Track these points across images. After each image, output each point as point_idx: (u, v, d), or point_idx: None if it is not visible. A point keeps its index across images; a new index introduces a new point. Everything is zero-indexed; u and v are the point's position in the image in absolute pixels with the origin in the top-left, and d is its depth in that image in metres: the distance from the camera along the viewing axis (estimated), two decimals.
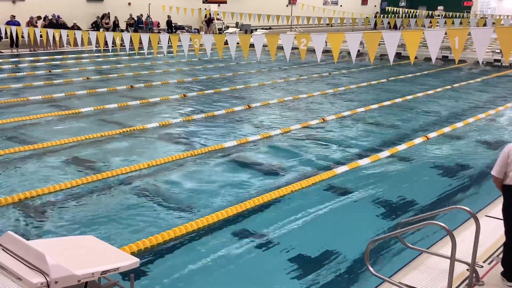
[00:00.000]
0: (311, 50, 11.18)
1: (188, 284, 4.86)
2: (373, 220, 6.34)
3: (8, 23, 22.21)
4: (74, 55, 22.39)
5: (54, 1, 27.04)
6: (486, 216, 6.05)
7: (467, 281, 4.46)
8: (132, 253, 5.10)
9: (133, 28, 28.51)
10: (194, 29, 33.06)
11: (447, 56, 23.26)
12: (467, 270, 4.55)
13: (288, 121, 11.51)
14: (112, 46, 14.99)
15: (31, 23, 24.09)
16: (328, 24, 33.61)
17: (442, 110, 13.13)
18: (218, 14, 33.96)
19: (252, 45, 10.71)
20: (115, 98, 13.61)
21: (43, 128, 10.54)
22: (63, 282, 3.05)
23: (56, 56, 22.38)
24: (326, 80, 18.20)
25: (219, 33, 30.62)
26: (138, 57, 21.72)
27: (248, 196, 6.94)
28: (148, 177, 7.70)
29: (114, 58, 22.47)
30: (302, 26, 36.51)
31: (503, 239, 4.64)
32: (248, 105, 13.03)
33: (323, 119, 11.63)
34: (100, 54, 22.60)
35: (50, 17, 25.62)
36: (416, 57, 17.91)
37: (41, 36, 18.42)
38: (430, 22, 30.77)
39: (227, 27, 33.24)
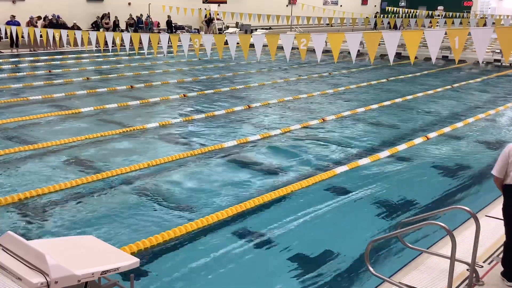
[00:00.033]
0: (311, 50, 11.18)
1: (188, 284, 4.86)
2: (373, 220, 6.34)
3: (8, 23, 22.22)
4: (74, 55, 22.39)
5: (54, 1, 27.05)
6: (486, 216, 6.05)
7: (467, 281, 4.46)
8: (132, 253, 5.10)
9: (133, 28, 28.51)
10: (194, 29, 33.06)
11: (447, 56, 23.28)
12: (467, 270, 4.56)
13: (288, 121, 11.51)
14: (112, 46, 14.99)
15: (31, 23, 24.10)
16: (328, 24, 33.61)
17: (442, 110, 13.13)
18: (218, 14, 33.97)
19: (252, 45, 10.70)
20: (115, 98, 13.61)
21: (43, 128, 10.55)
22: (63, 282, 3.05)
23: (56, 56, 22.38)
24: (326, 80, 18.20)
25: (219, 33, 30.63)
26: (138, 57, 21.72)
27: (248, 196, 6.94)
28: (148, 177, 7.70)
29: (114, 58, 22.47)
30: (302, 26, 36.51)
31: (503, 239, 4.64)
32: (248, 105, 13.03)
33: (323, 119, 11.63)
34: (100, 54, 22.61)
35: (50, 17, 25.63)
36: (416, 57, 17.92)
37: (41, 36, 18.41)
38: (430, 22, 30.76)
39: (227, 27, 33.24)
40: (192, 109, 12.77)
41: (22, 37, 22.53)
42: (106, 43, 13.48)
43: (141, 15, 29.55)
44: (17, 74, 17.76)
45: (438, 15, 40.95)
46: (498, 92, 16.20)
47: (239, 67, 20.89)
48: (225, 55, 18.09)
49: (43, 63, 20.43)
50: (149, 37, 12.66)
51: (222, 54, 11.65)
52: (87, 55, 22.80)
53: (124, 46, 13.36)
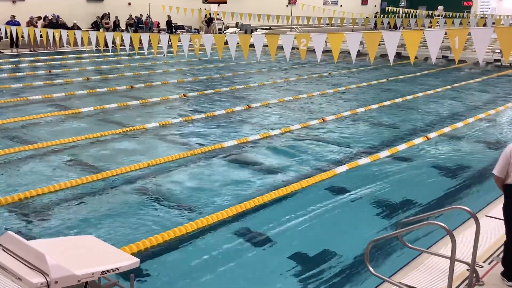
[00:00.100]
0: (311, 50, 11.17)
1: (189, 283, 4.86)
2: (373, 220, 6.34)
3: (8, 23, 22.21)
4: (74, 55, 22.39)
5: (54, 1, 27.04)
6: (486, 216, 6.05)
7: (467, 281, 4.46)
8: (132, 253, 5.09)
9: (133, 28, 28.51)
10: (194, 29, 33.05)
11: (447, 56, 23.28)
12: (467, 270, 4.56)
13: (288, 121, 11.51)
14: (112, 46, 14.98)
15: (31, 23, 24.10)
16: (328, 24, 33.60)
17: (442, 110, 13.13)
18: (218, 14, 33.97)
19: (252, 45, 10.70)
20: (115, 98, 13.61)
21: (43, 128, 10.54)
22: (63, 282, 3.05)
23: (56, 56, 22.38)
24: (326, 80, 18.20)
25: (219, 33, 30.62)
26: (138, 57, 21.72)
27: (248, 195, 6.94)
28: (149, 177, 7.70)
29: (114, 58, 22.47)
30: (302, 26, 36.51)
31: (503, 239, 4.64)
32: (248, 105, 13.03)
33: (323, 119, 11.63)
34: (100, 54, 22.61)
35: (50, 17, 25.62)
36: (416, 57, 17.92)
37: (41, 36, 18.41)
38: (430, 22, 30.76)
39: (227, 27, 33.24)
40: (192, 109, 12.77)
41: (22, 37, 22.53)
42: (106, 43, 13.48)
43: (141, 15, 29.55)
44: (17, 74, 17.76)
45: (438, 15, 40.94)
46: (498, 92, 16.20)
47: (239, 67, 20.89)
48: (225, 55, 18.09)
49: (43, 63, 20.43)
50: (149, 37, 12.66)
51: (222, 54, 11.64)
52: (87, 55, 22.80)
53: (124, 46, 13.36)
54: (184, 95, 14.45)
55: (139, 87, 15.66)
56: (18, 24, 22.78)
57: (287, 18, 33.90)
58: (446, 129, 10.87)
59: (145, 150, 9.04)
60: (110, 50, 18.87)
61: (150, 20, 30.06)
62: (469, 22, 31.51)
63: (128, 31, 24.87)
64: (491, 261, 4.93)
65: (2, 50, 23.36)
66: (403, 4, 49.91)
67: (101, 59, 21.91)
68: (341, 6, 45.80)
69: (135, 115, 11.96)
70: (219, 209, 6.38)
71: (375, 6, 51.27)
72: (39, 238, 5.41)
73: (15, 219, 6.16)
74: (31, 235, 5.68)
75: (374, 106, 13.33)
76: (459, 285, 4.50)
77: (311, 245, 5.59)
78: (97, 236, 4.34)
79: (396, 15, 42.36)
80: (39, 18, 25.43)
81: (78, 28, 24.35)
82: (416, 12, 44.09)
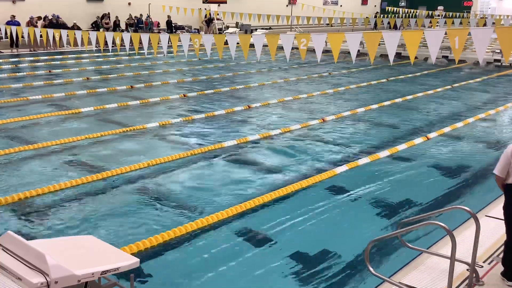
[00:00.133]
0: (311, 50, 11.17)
1: (189, 283, 4.86)
2: (373, 220, 6.34)
3: (8, 23, 22.21)
4: (74, 55, 22.39)
5: (54, 1, 27.04)
6: (486, 216, 6.05)
7: (467, 281, 4.46)
8: (132, 253, 5.09)
9: (133, 28, 28.51)
10: (194, 29, 33.05)
11: (447, 56, 23.28)
12: (467, 270, 4.56)
13: (288, 121, 11.51)
14: (112, 46, 14.99)
15: (31, 23, 24.09)
16: (328, 24, 33.60)
17: (442, 110, 13.13)
18: (218, 14, 33.96)
19: (252, 45, 10.70)
20: (115, 98, 13.60)
21: (43, 128, 10.54)
22: (63, 282, 3.05)
23: (56, 56, 22.37)
24: (326, 80, 18.20)
25: (219, 33, 30.62)
26: (138, 57, 21.72)
27: (248, 195, 6.94)
28: (149, 177, 7.70)
29: (114, 58, 22.47)
30: (302, 26, 36.50)
31: (503, 239, 4.64)
32: (248, 105, 13.03)
33: (323, 119, 11.63)
34: (100, 54, 22.61)
35: (50, 17, 25.62)
36: (416, 57, 17.91)
37: (41, 36, 18.41)
38: (430, 22, 30.76)
39: (227, 27, 33.24)
40: (192, 109, 12.76)
41: (22, 37, 22.52)
42: (106, 43, 13.48)
43: (141, 15, 29.55)
44: (17, 74, 17.76)
45: (438, 15, 40.94)
46: (498, 92, 16.20)
47: (239, 67, 20.89)
48: (225, 55, 18.09)
49: (43, 63, 20.43)
50: (149, 37, 12.66)
51: (222, 54, 11.64)
52: (87, 55, 22.80)
53: (124, 46, 13.36)
54: (184, 95, 14.45)
55: (139, 87, 15.66)
56: (18, 24, 22.78)
57: (287, 18, 33.90)
58: (446, 129, 10.87)
59: (145, 150, 9.04)
60: (110, 50, 18.87)
61: (150, 20, 30.06)
62: (469, 22, 31.51)
63: (128, 31, 24.88)
64: (491, 261, 4.93)
65: (2, 50, 23.36)
66: (403, 4, 49.91)
67: (101, 59, 21.91)
68: (341, 6, 45.79)
69: (135, 115, 11.96)
70: (219, 209, 6.38)
71: (375, 6, 51.28)
72: (39, 238, 5.41)
73: (15, 219, 6.16)
74: (31, 235, 5.68)
75: (374, 106, 13.33)
76: (459, 285, 4.50)
77: (311, 244, 5.59)
78: (97, 236, 4.34)
79: (396, 15, 42.36)
80: (39, 18, 25.42)
81: (78, 28, 24.35)
82: (416, 12, 44.09)
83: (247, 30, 31.39)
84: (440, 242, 5.30)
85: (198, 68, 20.32)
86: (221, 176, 7.78)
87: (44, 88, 14.92)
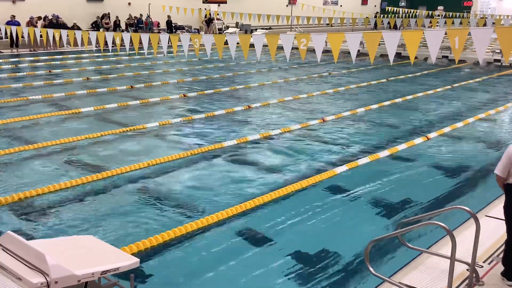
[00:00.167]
0: (311, 50, 11.16)
1: (189, 283, 4.86)
2: (373, 220, 6.34)
3: (8, 23, 22.21)
4: (74, 55, 22.39)
5: (54, 1, 27.04)
6: (486, 216, 6.05)
7: (467, 281, 4.46)
8: (132, 253, 5.09)
9: (133, 28, 28.50)
10: (194, 29, 33.05)
11: (447, 56, 23.29)
12: (467, 270, 4.56)
13: (288, 121, 11.51)
14: (112, 46, 14.98)
15: (31, 23, 24.09)
16: (328, 24, 33.60)
17: (442, 110, 13.13)
18: (218, 14, 33.96)
19: (252, 45, 10.70)
20: (115, 98, 13.60)
21: (43, 128, 10.54)
22: (63, 282, 3.05)
23: (56, 56, 22.37)
24: (326, 80, 18.20)
25: (219, 33, 30.62)
26: (138, 57, 21.71)
27: (248, 195, 6.94)
28: (149, 176, 7.70)
29: (114, 58, 22.47)
30: (302, 26, 36.50)
31: (503, 239, 4.64)
32: (248, 105, 13.03)
33: (323, 119, 11.63)
34: (100, 54, 22.60)
35: (50, 17, 25.62)
36: (416, 57, 17.92)
37: (41, 36, 18.40)
38: (430, 22, 30.76)
39: (227, 27, 33.24)
40: (192, 109, 12.76)
41: (22, 37, 22.52)
42: (106, 43, 13.48)
43: (141, 15, 29.54)
44: (17, 74, 17.76)
45: (438, 15, 40.94)
46: (498, 92, 16.20)
47: (239, 67, 20.89)
48: (225, 55, 18.09)
49: (43, 63, 20.43)
50: (149, 37, 12.65)
51: (222, 54, 11.64)
52: (87, 55, 22.80)
53: (124, 46, 13.36)
54: (184, 95, 14.45)
55: (139, 87, 15.65)
56: (18, 24, 22.78)
57: (287, 18, 33.89)
58: (446, 129, 10.87)
59: (145, 150, 9.04)
60: (110, 50, 18.87)
61: (150, 20, 30.06)
62: (469, 22, 31.51)
63: (128, 31, 24.88)
64: (491, 261, 4.93)
65: (2, 50, 23.36)
66: (403, 4, 49.90)
67: (101, 59, 21.91)
68: (341, 6, 45.79)
69: (135, 115, 11.96)
70: (219, 209, 6.38)
71: (375, 6, 51.27)
72: (39, 238, 5.41)
73: (15, 219, 6.16)
74: (31, 235, 5.68)
75: (374, 106, 13.33)
76: (459, 285, 4.50)
77: (311, 244, 5.59)
78: (97, 236, 4.34)
79: (396, 15, 42.35)
80: (39, 18, 25.43)
81: (78, 28, 24.35)
82: (416, 12, 44.08)
83: (247, 30, 31.39)
84: (440, 242, 5.30)
85: (198, 68, 20.32)
86: (221, 176, 7.78)
87: (44, 88, 14.92)
